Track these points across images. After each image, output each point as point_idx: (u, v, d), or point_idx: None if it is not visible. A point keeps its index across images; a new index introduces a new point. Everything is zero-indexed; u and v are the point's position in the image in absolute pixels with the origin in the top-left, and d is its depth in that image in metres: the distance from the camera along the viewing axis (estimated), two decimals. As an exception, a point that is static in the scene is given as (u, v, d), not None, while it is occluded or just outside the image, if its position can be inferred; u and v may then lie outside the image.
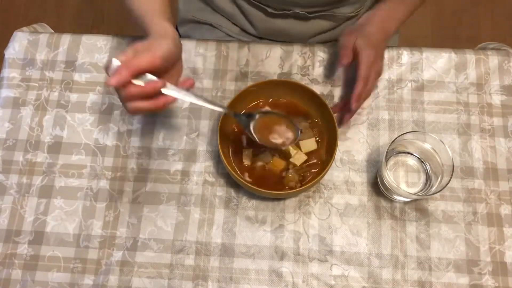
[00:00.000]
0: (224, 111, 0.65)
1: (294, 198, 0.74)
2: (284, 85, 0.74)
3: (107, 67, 0.56)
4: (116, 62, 0.55)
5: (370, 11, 0.79)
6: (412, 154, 0.74)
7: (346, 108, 0.75)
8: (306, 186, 0.67)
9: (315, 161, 0.72)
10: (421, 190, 0.72)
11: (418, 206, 0.73)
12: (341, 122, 0.77)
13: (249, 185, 0.67)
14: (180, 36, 0.99)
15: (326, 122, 0.73)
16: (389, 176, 0.67)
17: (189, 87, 0.62)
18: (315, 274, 0.70)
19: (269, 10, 0.84)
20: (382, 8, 0.78)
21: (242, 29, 0.92)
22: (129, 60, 0.55)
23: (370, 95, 0.75)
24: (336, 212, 0.73)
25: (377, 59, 0.73)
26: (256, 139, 0.67)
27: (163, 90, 0.57)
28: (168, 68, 0.60)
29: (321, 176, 0.67)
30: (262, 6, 0.84)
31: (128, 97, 0.56)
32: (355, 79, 0.71)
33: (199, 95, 0.62)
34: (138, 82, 0.56)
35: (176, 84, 0.61)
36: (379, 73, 0.75)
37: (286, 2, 0.81)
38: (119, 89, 0.56)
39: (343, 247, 0.71)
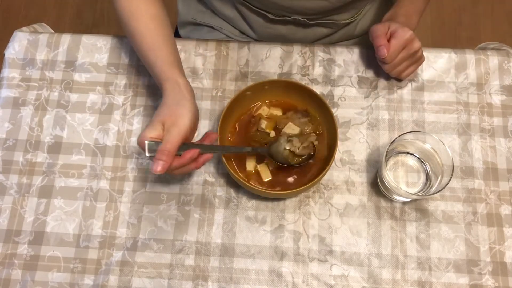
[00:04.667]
0: (254, 151, 0.70)
1: (294, 198, 0.74)
2: (284, 85, 0.74)
3: (141, 144, 0.61)
4: (150, 143, 0.60)
5: (391, 9, 0.81)
6: (412, 154, 0.74)
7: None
8: (306, 186, 0.67)
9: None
10: (421, 190, 0.72)
11: (418, 206, 0.73)
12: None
13: (249, 185, 0.67)
14: (180, 37, 1.00)
15: (326, 122, 0.73)
16: (389, 176, 0.67)
17: (212, 141, 0.67)
18: (315, 274, 0.70)
19: (270, 16, 0.84)
20: (402, 4, 0.80)
21: (242, 32, 0.92)
22: (165, 146, 0.60)
23: (398, 74, 0.76)
24: (336, 212, 0.73)
25: (413, 40, 0.73)
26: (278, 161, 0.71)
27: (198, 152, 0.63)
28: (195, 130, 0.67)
29: (321, 176, 0.67)
30: (262, 12, 0.84)
31: (172, 170, 0.62)
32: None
33: (226, 146, 0.72)
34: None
35: (193, 135, 0.66)
36: (419, 58, 0.76)
37: (286, 9, 0.81)
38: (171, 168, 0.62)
39: (343, 247, 0.71)
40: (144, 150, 0.60)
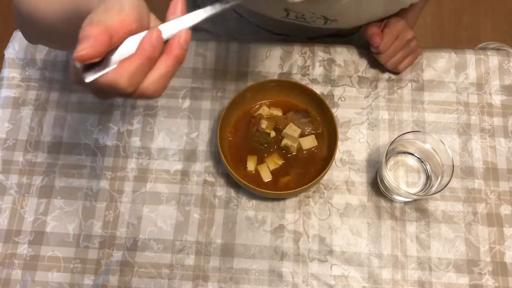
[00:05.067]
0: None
1: (294, 198, 0.74)
2: (284, 85, 0.74)
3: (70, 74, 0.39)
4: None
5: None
6: (412, 154, 0.74)
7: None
8: (306, 186, 0.67)
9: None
10: (421, 190, 0.72)
11: (418, 206, 0.73)
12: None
13: (249, 185, 0.67)
14: None
15: (326, 122, 0.73)
16: (389, 176, 0.67)
17: (182, 8, 0.41)
18: (315, 274, 0.70)
19: (270, 34, 0.84)
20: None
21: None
22: (96, 31, 0.36)
23: (391, 61, 0.76)
24: (336, 212, 0.73)
25: (406, 28, 0.74)
26: None
27: (158, 29, 0.39)
28: (146, 22, 0.41)
29: (321, 176, 0.67)
30: (263, 29, 0.84)
31: (131, 81, 0.37)
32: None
33: (197, 11, 0.42)
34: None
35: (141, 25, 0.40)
36: (414, 49, 0.76)
37: (287, 29, 0.82)
38: (115, 82, 0.37)
39: (343, 247, 0.71)
40: (75, 80, 0.38)
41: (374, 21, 0.76)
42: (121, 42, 0.38)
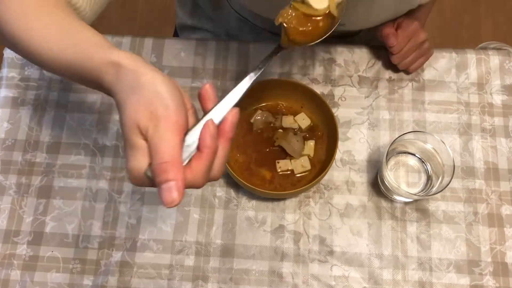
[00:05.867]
0: (260, 70, 0.50)
1: (294, 198, 0.73)
2: (284, 84, 0.74)
3: (137, 181, 0.39)
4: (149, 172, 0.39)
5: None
6: (413, 154, 0.74)
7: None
8: (306, 186, 0.66)
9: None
10: (422, 191, 0.72)
11: (418, 206, 0.73)
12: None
13: (249, 185, 0.67)
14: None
15: (326, 122, 0.73)
16: (389, 176, 0.67)
17: (214, 94, 0.43)
18: (316, 275, 0.70)
19: (270, 35, 0.85)
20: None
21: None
22: (160, 158, 0.37)
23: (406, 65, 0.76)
24: (336, 213, 0.73)
25: (419, 30, 0.74)
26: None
27: (213, 121, 0.40)
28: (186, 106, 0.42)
29: (321, 176, 0.67)
30: (264, 30, 0.84)
31: (206, 179, 0.40)
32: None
33: (230, 92, 0.45)
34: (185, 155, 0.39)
35: (185, 114, 0.41)
36: (427, 49, 0.76)
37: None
38: (194, 185, 0.40)
39: (344, 247, 0.71)
40: (148, 185, 0.39)
41: (381, 23, 0.75)
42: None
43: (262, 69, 0.49)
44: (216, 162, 0.40)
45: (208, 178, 0.40)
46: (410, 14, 0.76)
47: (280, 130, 0.73)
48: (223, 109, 0.42)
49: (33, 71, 0.81)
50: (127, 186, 0.74)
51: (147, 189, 0.74)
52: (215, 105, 0.42)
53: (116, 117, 0.78)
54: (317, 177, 0.67)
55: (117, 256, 0.71)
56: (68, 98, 0.79)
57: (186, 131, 0.40)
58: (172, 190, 0.36)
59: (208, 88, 0.42)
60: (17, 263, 0.71)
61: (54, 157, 0.76)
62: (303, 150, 0.72)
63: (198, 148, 0.39)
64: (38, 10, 0.46)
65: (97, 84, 0.42)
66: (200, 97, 0.42)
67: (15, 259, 0.71)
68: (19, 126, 0.78)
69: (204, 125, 0.39)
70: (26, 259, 0.71)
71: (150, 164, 0.38)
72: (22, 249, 0.72)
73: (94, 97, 0.79)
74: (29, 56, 0.46)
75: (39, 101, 0.79)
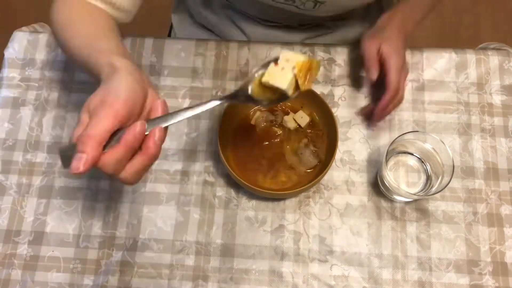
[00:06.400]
0: (220, 102, 0.53)
1: (294, 198, 0.73)
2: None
3: (62, 151, 0.45)
4: (63, 148, 0.45)
5: (386, 13, 0.77)
6: (412, 154, 0.74)
7: (375, 113, 0.74)
8: (306, 186, 0.67)
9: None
10: (422, 190, 0.72)
11: (418, 206, 0.73)
12: (370, 123, 0.76)
13: (249, 185, 0.67)
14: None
15: (326, 122, 0.73)
16: (389, 176, 0.67)
17: (164, 109, 0.49)
18: (315, 275, 0.70)
19: (261, 22, 0.85)
20: (399, 10, 0.77)
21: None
22: (86, 132, 0.43)
23: (401, 101, 0.74)
24: (336, 212, 0.73)
25: (404, 64, 0.72)
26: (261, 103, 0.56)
27: (143, 124, 0.46)
28: (140, 110, 0.48)
29: (321, 176, 0.67)
30: (251, 17, 0.85)
31: (115, 169, 0.44)
32: (385, 86, 0.71)
33: (185, 108, 0.50)
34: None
35: (137, 115, 0.48)
36: (405, 77, 0.75)
37: (272, 16, 0.82)
38: (103, 168, 0.44)
39: (343, 247, 0.71)
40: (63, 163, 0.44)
41: (363, 3, 0.75)
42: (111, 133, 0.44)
43: (217, 103, 0.52)
44: (130, 168, 0.45)
45: (118, 170, 0.45)
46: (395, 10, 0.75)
47: (288, 147, 0.73)
48: (161, 123, 0.47)
49: (33, 72, 0.81)
50: (128, 186, 0.74)
51: (148, 189, 0.74)
52: (161, 116, 0.48)
53: (116, 117, 0.78)
54: (317, 177, 0.67)
55: (117, 256, 0.71)
56: (69, 98, 0.79)
57: (123, 127, 0.45)
58: (81, 160, 0.42)
59: (162, 107, 0.49)
60: (18, 263, 0.71)
61: (55, 157, 0.76)
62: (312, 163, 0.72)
63: (119, 140, 0.44)
64: (83, 20, 0.59)
65: (98, 79, 0.50)
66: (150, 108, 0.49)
67: (15, 259, 0.71)
68: (19, 126, 0.78)
69: (133, 124, 0.45)
70: (27, 259, 0.71)
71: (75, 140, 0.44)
72: (23, 249, 0.72)
73: (95, 97, 0.79)
74: (63, 49, 0.62)
75: (39, 101, 0.79)
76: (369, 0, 0.75)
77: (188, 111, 0.49)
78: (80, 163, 0.42)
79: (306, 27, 0.87)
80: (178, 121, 0.49)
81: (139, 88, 0.47)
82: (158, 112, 0.48)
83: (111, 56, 0.50)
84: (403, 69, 0.72)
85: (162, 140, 0.47)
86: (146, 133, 0.46)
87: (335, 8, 0.76)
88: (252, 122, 0.75)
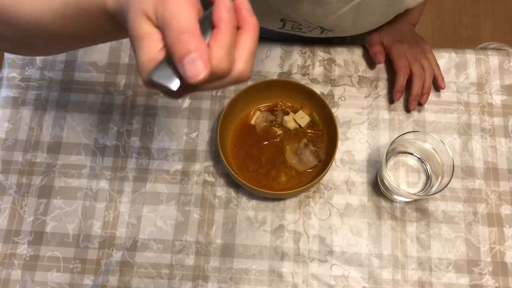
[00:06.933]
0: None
1: (294, 198, 0.73)
2: (284, 84, 0.74)
3: (143, 73, 0.33)
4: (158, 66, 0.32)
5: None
6: (412, 154, 0.74)
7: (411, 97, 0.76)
8: (306, 186, 0.67)
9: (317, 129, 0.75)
10: (422, 190, 0.72)
11: (418, 206, 0.73)
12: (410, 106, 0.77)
13: (249, 185, 0.67)
14: None
15: (326, 122, 0.73)
16: (389, 176, 0.67)
17: None
18: (315, 274, 0.70)
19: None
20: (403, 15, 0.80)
21: None
22: (178, 30, 0.31)
23: (429, 87, 0.76)
24: (336, 212, 0.73)
25: (410, 49, 0.76)
26: None
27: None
28: None
29: (321, 176, 0.67)
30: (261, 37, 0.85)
31: (230, 61, 0.33)
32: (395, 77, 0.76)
33: None
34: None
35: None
36: (415, 59, 0.76)
37: (284, 38, 0.83)
38: (216, 68, 0.32)
39: (343, 247, 0.71)
40: (154, 85, 0.32)
41: (370, 29, 0.76)
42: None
43: None
44: (243, 52, 0.34)
45: (233, 65, 0.33)
46: (401, 17, 0.77)
47: (288, 147, 0.73)
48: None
49: (33, 71, 0.81)
50: (128, 186, 0.74)
51: (148, 189, 0.74)
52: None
53: (116, 117, 0.78)
54: (317, 177, 0.67)
55: (117, 255, 0.71)
56: (69, 98, 0.79)
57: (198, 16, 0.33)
58: (196, 61, 0.30)
59: None
60: (18, 262, 0.71)
61: (55, 157, 0.76)
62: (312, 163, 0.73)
63: (213, 26, 0.33)
64: None
65: (100, 13, 0.36)
66: None
67: (15, 259, 0.71)
68: (19, 126, 0.78)
69: (216, 2, 0.33)
70: (27, 258, 0.71)
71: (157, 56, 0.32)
72: (23, 249, 0.72)
73: (95, 97, 0.79)
74: (19, 25, 0.40)
75: (39, 101, 0.79)
76: (375, 27, 0.76)
77: None
78: (198, 64, 0.30)
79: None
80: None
81: None
82: None
83: None
84: (411, 52, 0.76)
85: (250, 8, 0.35)
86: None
87: (342, 34, 0.77)
88: (252, 122, 0.75)
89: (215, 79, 0.33)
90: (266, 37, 0.86)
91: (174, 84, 0.31)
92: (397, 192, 0.69)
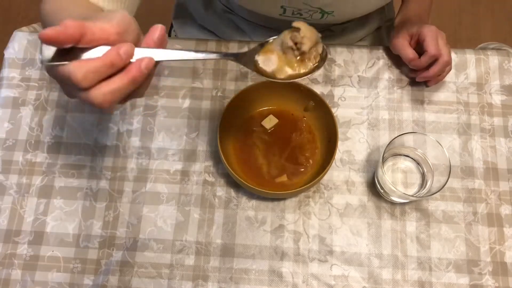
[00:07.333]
0: (219, 57, 0.49)
1: (294, 198, 0.74)
2: (284, 85, 0.74)
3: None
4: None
5: (400, 13, 0.82)
6: (409, 155, 0.74)
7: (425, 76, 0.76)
8: (306, 186, 0.67)
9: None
10: (418, 191, 0.72)
11: (418, 206, 0.73)
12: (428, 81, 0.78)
13: (249, 185, 0.67)
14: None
15: (326, 122, 0.73)
16: (385, 178, 0.67)
17: (160, 39, 0.43)
18: (315, 274, 0.70)
19: (268, 31, 0.86)
20: (410, 7, 0.81)
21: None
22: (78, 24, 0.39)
23: (450, 64, 0.75)
24: (336, 212, 0.73)
25: (438, 33, 0.74)
26: (267, 72, 0.52)
27: (131, 46, 0.41)
28: (130, 39, 0.43)
29: (321, 176, 0.67)
30: (261, 27, 0.86)
31: (86, 80, 0.38)
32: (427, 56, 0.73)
33: (182, 49, 0.46)
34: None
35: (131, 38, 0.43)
36: (444, 43, 0.75)
37: (273, 24, 0.83)
38: (71, 73, 0.38)
39: (343, 247, 0.71)
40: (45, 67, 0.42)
41: (370, 11, 0.76)
42: (94, 46, 0.40)
43: (216, 57, 0.48)
44: (105, 85, 0.40)
45: (89, 81, 0.39)
46: (410, 9, 0.77)
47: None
48: (151, 54, 0.42)
49: (33, 72, 0.81)
50: (128, 186, 0.74)
51: (148, 189, 0.74)
52: (152, 47, 0.42)
53: (116, 117, 0.78)
54: (317, 177, 0.67)
55: (117, 255, 0.71)
56: (69, 98, 0.79)
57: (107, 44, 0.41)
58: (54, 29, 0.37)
59: (158, 29, 0.42)
60: (18, 262, 0.71)
61: (55, 157, 0.76)
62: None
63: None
64: (75, 4, 0.54)
65: None
66: (149, 31, 0.42)
67: (15, 259, 0.71)
68: (19, 126, 0.78)
69: (121, 43, 0.40)
70: (27, 258, 0.71)
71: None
72: (23, 249, 0.72)
73: (95, 97, 0.79)
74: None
75: (39, 101, 0.79)
76: (376, 8, 0.76)
77: (184, 52, 0.44)
78: (54, 28, 0.37)
79: None
80: (171, 60, 0.44)
81: (133, 22, 0.43)
82: (154, 36, 0.42)
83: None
84: (440, 37, 0.74)
85: (149, 69, 0.41)
86: (132, 60, 0.41)
87: (342, 17, 0.77)
88: (267, 127, 0.75)
89: (70, 85, 0.39)
90: (267, 26, 0.86)
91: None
92: (394, 194, 0.69)
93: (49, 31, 0.36)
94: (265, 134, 0.75)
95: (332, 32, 0.89)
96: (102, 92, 0.39)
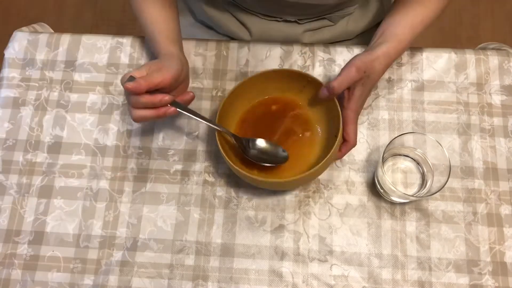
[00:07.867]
0: (221, 129, 0.68)
1: (294, 198, 0.74)
2: (282, 75, 0.72)
3: (123, 78, 0.62)
4: (131, 78, 0.62)
5: (380, 37, 0.72)
6: (409, 155, 0.74)
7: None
8: (305, 175, 0.63)
9: None
10: (418, 191, 0.72)
11: (418, 206, 0.73)
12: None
13: (248, 175, 0.65)
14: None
15: (328, 111, 0.70)
16: (385, 178, 0.67)
17: (188, 101, 0.67)
18: (315, 274, 0.70)
19: (261, 16, 0.86)
20: (384, 54, 0.70)
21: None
22: (145, 76, 0.61)
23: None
24: (336, 212, 0.73)
25: (362, 106, 0.70)
26: (259, 161, 0.70)
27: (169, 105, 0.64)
28: (176, 86, 0.67)
29: (321, 166, 0.64)
30: (252, 12, 0.86)
31: (137, 104, 0.62)
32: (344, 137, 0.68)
33: (199, 114, 0.67)
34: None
35: (176, 87, 0.67)
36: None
37: (274, 11, 0.83)
38: (131, 96, 0.62)
39: (343, 247, 0.71)
40: (122, 84, 0.61)
41: None
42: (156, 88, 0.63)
43: (219, 129, 0.68)
44: (142, 111, 0.63)
45: (134, 106, 0.63)
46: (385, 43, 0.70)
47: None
48: (180, 108, 0.65)
49: (33, 72, 0.81)
50: (128, 186, 0.75)
51: (148, 188, 0.74)
52: (183, 104, 0.66)
53: (116, 117, 0.78)
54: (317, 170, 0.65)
55: (117, 255, 0.71)
56: (69, 98, 0.80)
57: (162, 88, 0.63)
58: (134, 82, 0.60)
59: (187, 97, 0.68)
60: (18, 262, 0.71)
61: (55, 157, 0.76)
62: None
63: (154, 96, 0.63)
64: (152, 6, 0.74)
65: (156, 52, 0.72)
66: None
67: (16, 259, 0.71)
68: (20, 126, 0.78)
69: (165, 94, 0.64)
70: (27, 258, 0.71)
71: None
72: (23, 249, 0.72)
73: (95, 97, 0.80)
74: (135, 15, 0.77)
75: (39, 101, 0.79)
76: None
77: (197, 116, 0.66)
78: (133, 84, 0.59)
79: (309, 20, 0.88)
80: (187, 116, 0.66)
81: (183, 74, 0.67)
82: (185, 97, 0.67)
83: (171, 46, 0.71)
84: (360, 112, 0.70)
85: (171, 115, 0.65)
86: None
87: None
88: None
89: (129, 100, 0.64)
90: (267, 14, 0.86)
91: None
92: (393, 194, 0.69)
93: (130, 86, 0.59)
94: (262, 119, 0.74)
95: (331, 21, 0.89)
96: (138, 114, 0.63)
